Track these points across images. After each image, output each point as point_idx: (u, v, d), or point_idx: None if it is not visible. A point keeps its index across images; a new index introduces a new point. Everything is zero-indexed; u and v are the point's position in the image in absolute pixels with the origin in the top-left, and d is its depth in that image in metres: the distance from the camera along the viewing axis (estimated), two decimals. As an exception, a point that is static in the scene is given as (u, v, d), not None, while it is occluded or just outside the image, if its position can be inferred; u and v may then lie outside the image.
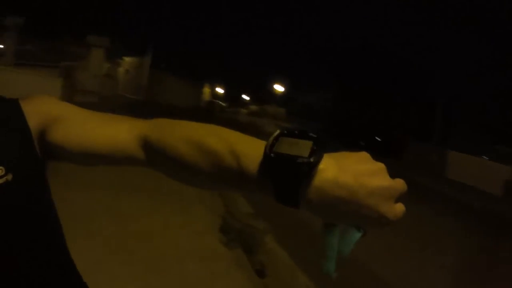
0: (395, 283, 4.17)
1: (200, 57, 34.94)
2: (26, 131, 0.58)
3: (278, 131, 0.49)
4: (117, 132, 0.58)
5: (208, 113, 32.68)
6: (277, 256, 4.22)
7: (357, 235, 0.48)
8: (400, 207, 0.46)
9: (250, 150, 0.49)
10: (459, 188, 13.01)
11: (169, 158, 0.54)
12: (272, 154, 0.45)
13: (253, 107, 48.97)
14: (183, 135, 0.54)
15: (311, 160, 0.43)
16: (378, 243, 4.89)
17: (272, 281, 3.73)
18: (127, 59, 26.87)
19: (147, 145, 0.56)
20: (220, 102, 43.86)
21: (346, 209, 0.44)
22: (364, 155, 0.48)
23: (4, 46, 10.94)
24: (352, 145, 19.61)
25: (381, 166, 0.47)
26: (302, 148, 0.45)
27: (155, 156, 0.56)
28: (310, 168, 0.43)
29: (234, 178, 0.49)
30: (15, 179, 0.54)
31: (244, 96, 51.21)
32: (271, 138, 0.48)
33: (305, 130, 0.48)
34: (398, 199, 0.46)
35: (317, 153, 0.44)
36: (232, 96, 48.58)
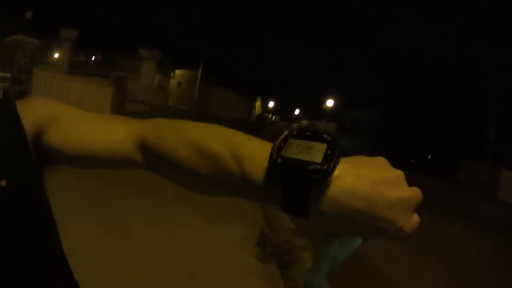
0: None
1: (252, 71, 35.56)
2: (21, 134, 0.55)
3: (286, 132, 0.43)
4: (114, 133, 0.55)
5: (258, 126, 33.30)
6: (314, 278, 3.98)
7: (358, 242, 0.43)
8: (416, 218, 0.41)
9: (254, 153, 0.44)
10: None
11: (167, 160, 0.50)
12: (278, 159, 0.40)
13: (304, 122, 49.11)
14: (182, 136, 0.50)
15: (325, 167, 0.38)
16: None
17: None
18: (179, 71, 27.63)
19: (145, 147, 0.53)
20: (271, 116, 44.33)
21: (362, 222, 0.39)
22: (382, 160, 0.43)
23: (58, 55, 11.66)
24: (401, 162, 19.07)
25: (399, 174, 0.42)
26: (314, 152, 0.39)
27: (153, 158, 0.53)
28: (323, 176, 0.38)
29: (236, 184, 0.45)
30: (8, 185, 0.51)
31: (296, 111, 51.37)
32: (278, 140, 0.42)
33: (318, 131, 0.42)
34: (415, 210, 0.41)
35: (332, 158, 0.39)
36: (283, 111, 48.89)
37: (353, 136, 35.06)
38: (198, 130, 0.50)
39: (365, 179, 0.39)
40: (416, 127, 25.13)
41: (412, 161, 20.04)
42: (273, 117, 44.49)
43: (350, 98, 42.63)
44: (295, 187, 0.39)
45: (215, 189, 0.51)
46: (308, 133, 0.42)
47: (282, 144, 0.41)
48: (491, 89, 21.29)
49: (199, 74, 26.38)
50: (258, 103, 43.66)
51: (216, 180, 0.47)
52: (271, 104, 47.63)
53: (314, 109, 47.17)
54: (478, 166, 18.69)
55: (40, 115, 0.58)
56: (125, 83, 9.89)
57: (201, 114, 21.87)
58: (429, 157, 20.28)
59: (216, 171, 0.46)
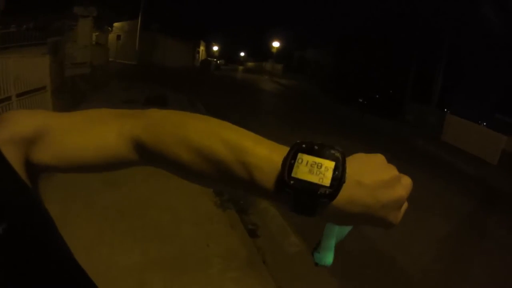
0: (384, 245, 4.28)
1: (194, 16, 33.90)
2: (6, 167, 0.49)
3: (295, 146, 0.45)
4: (106, 138, 0.52)
5: (203, 71, 32.56)
6: (270, 217, 4.35)
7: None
8: (403, 209, 0.47)
9: (264, 161, 0.45)
10: (454, 152, 13.10)
11: (168, 163, 0.50)
12: (291, 181, 0.42)
13: (250, 64, 48.31)
14: (183, 139, 0.48)
15: (333, 191, 0.42)
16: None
17: (263, 241, 3.84)
18: (117, 24, 25.93)
19: (141, 148, 0.51)
20: (216, 60, 43.37)
21: (358, 219, 0.45)
22: (380, 158, 0.47)
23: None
24: (350, 101, 19.73)
25: (394, 174, 0.46)
26: (323, 172, 0.42)
27: (152, 159, 0.52)
28: (331, 200, 0.42)
29: (245, 188, 0.47)
30: (10, 226, 0.46)
31: (241, 54, 50.43)
32: (289, 156, 0.44)
33: (325, 146, 0.44)
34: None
35: (340, 180, 0.42)
36: (229, 54, 47.83)
37: (300, 75, 35.33)
38: (201, 131, 0.49)
39: (363, 185, 0.43)
40: (364, 68, 25.75)
41: (360, 100, 20.83)
42: (218, 61, 43.56)
43: (297, 40, 42.20)
44: (304, 203, 0.43)
45: (221, 187, 0.54)
46: (316, 147, 0.44)
47: (292, 161, 0.43)
48: (443, 36, 21.90)
49: (139, 24, 25.15)
50: (202, 48, 42.43)
51: (223, 183, 0.49)
52: (215, 48, 46.40)
53: (261, 51, 46.42)
54: (425, 109, 19.57)
55: (21, 136, 0.52)
56: (62, 48, 9.44)
57: (143, 66, 21.03)
58: (377, 96, 21.00)
59: (223, 176, 0.47)
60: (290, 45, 43.16)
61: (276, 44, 44.51)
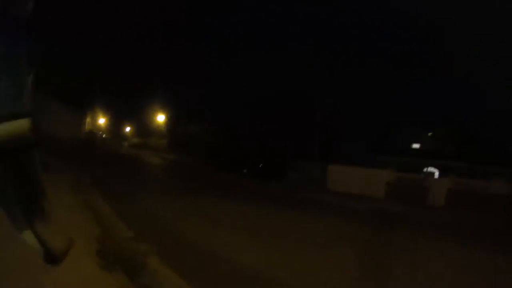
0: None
1: (82, 85, 32.95)
2: None
3: None
4: None
5: (89, 145, 31.55)
6: (164, 277, 4.07)
7: None
8: None
9: None
10: (342, 196, 14.30)
11: None
12: None
13: (136, 140, 48.02)
14: None
15: None
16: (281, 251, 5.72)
17: None
18: None
19: None
20: (101, 133, 42.39)
21: None
22: None
23: None
24: (237, 172, 21.19)
25: None
26: None
27: None
28: None
29: None
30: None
31: (127, 128, 50.09)
32: None
33: None
34: None
35: None
36: (116, 127, 47.14)
37: (184, 150, 36.17)
38: None
39: None
40: (247, 139, 27.14)
41: (244, 171, 21.43)
42: (104, 135, 42.76)
43: (182, 115, 43.99)
44: None
45: None
46: None
47: None
48: (317, 98, 25.11)
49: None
50: (88, 119, 41.47)
51: None
52: (101, 120, 45.68)
53: (146, 126, 47.01)
54: (308, 165, 21.58)
55: None
56: None
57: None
58: (261, 166, 21.64)
59: None
60: (174, 120, 44.86)
61: (161, 118, 45.67)
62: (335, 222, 9.19)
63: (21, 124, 0.98)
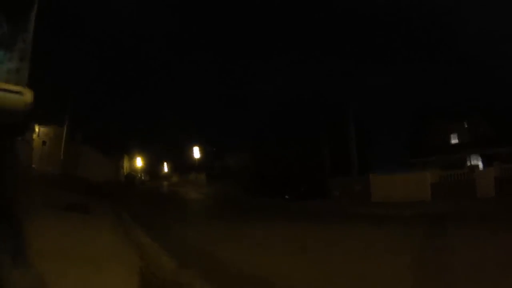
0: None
1: (118, 130, 34.16)
2: None
3: None
4: None
5: (128, 185, 32.62)
6: None
7: None
8: None
9: None
10: (389, 206, 13.73)
11: None
12: None
13: (174, 179, 49.01)
14: None
15: None
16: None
17: None
18: (44, 129, 24.93)
19: None
20: (140, 175, 43.71)
21: None
22: None
23: None
24: (278, 197, 20.81)
25: None
26: None
27: None
28: None
29: None
30: None
31: (165, 168, 51.34)
32: None
33: None
34: None
35: None
36: (152, 167, 48.43)
37: (223, 181, 36.39)
38: None
39: None
40: (284, 165, 26.37)
41: (286, 197, 20.95)
42: (142, 176, 44.11)
43: (216, 147, 44.78)
44: None
45: None
46: None
47: None
48: (347, 113, 24.78)
49: (64, 132, 24.56)
50: (126, 162, 43.04)
51: None
52: (138, 162, 47.25)
53: (183, 163, 48.08)
54: (347, 181, 20.94)
55: None
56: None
57: (67, 176, 20.56)
58: (302, 189, 21.13)
59: None
60: (210, 154, 45.69)
61: (197, 155, 46.64)
62: (385, 231, 8.77)
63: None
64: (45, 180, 16.57)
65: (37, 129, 23.18)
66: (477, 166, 19.51)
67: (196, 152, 47.03)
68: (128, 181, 36.68)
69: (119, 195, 20.80)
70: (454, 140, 26.81)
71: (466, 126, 26.25)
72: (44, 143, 24.95)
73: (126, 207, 13.48)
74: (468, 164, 22.36)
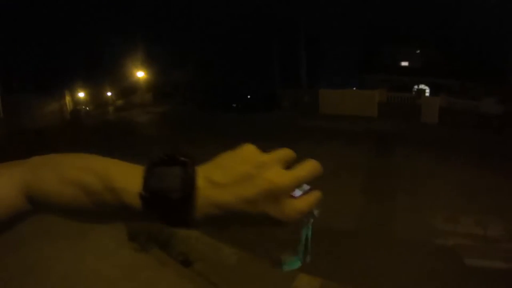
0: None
1: (49, 67, 31.44)
2: None
3: (149, 161, 0.47)
4: (0, 185, 0.51)
5: (74, 123, 30.61)
6: (195, 240, 4.25)
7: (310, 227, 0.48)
8: (294, 205, 0.43)
9: (128, 184, 0.47)
10: (335, 119, 14.42)
11: (56, 202, 0.51)
12: (146, 194, 0.44)
13: (119, 102, 46.95)
14: (61, 175, 0.51)
15: (184, 191, 0.43)
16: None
17: (200, 265, 3.82)
18: None
19: (31, 193, 0.51)
20: (84, 107, 41.38)
21: (237, 221, 0.44)
22: (246, 150, 0.47)
23: None
24: (225, 107, 20.71)
25: (261, 161, 0.45)
26: (171, 178, 0.44)
27: (41, 202, 0.51)
28: (186, 200, 0.43)
29: (120, 214, 0.49)
30: None
31: (109, 93, 48.79)
32: (145, 172, 0.46)
33: (173, 155, 0.46)
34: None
35: (189, 180, 0.43)
36: (96, 97, 45.91)
37: (171, 100, 35.53)
38: (75, 166, 0.51)
39: (219, 185, 0.43)
40: (229, 73, 26.78)
41: (234, 105, 21.02)
42: (87, 108, 41.74)
43: (162, 65, 42.51)
44: (167, 212, 0.44)
45: (101, 219, 0.55)
46: (166, 158, 0.46)
47: (147, 176, 0.45)
48: (299, 25, 23.82)
49: None
50: (68, 99, 40.26)
51: (100, 212, 0.50)
52: (81, 94, 44.35)
53: (127, 86, 45.73)
54: (297, 93, 21.14)
55: None
56: None
57: (14, 135, 19.07)
58: (249, 97, 21.34)
59: (101, 206, 0.49)
60: (155, 72, 43.58)
61: (140, 74, 44.39)
62: (336, 146, 9.23)
63: None
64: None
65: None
66: (424, 91, 20.41)
67: (140, 72, 44.63)
68: (73, 116, 34.78)
69: (68, 137, 19.25)
70: (405, 63, 27.40)
71: (418, 52, 26.79)
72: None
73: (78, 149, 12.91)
74: (416, 88, 23.34)
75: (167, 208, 0.44)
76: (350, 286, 3.46)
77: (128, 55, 41.17)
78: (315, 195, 0.46)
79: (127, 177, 0.48)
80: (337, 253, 4.15)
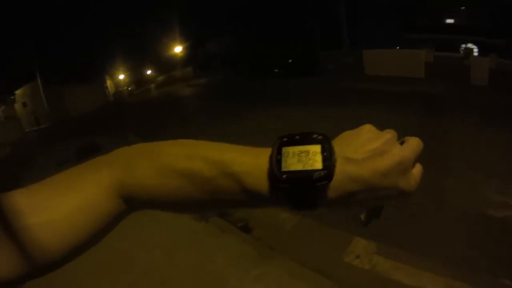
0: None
1: (89, 53, 32.35)
2: None
3: (277, 142, 0.44)
4: (87, 195, 0.45)
5: (119, 105, 31.00)
6: None
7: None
8: (416, 173, 0.46)
9: (249, 167, 0.45)
10: (382, 80, 13.96)
11: (159, 197, 0.47)
12: (283, 176, 0.41)
13: (160, 78, 47.68)
14: (162, 166, 0.46)
15: (328, 171, 0.41)
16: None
17: (259, 231, 3.96)
18: (19, 92, 24.06)
19: (126, 192, 0.47)
20: (127, 88, 42.62)
21: (365, 197, 0.44)
22: (366, 130, 0.47)
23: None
24: (267, 74, 20.53)
25: (384, 139, 0.46)
26: (312, 157, 0.42)
27: (140, 198, 0.47)
28: (329, 181, 0.42)
29: (240, 199, 0.46)
30: None
31: (148, 72, 49.70)
32: (274, 153, 0.43)
33: (306, 134, 0.45)
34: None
35: (331, 159, 0.42)
36: (136, 78, 46.97)
37: (211, 70, 35.65)
38: (178, 155, 0.47)
39: (355, 161, 0.43)
40: (268, 40, 25.94)
41: (276, 70, 20.40)
42: (129, 88, 43.01)
43: (196, 38, 42.59)
44: (305, 196, 0.42)
45: (219, 209, 0.50)
46: (298, 137, 0.44)
47: (279, 157, 0.43)
48: None
49: (39, 82, 23.35)
50: (109, 82, 41.59)
51: (218, 203, 0.47)
52: (121, 76, 45.65)
53: (166, 62, 46.40)
54: (339, 54, 20.64)
55: None
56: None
57: (60, 125, 19.83)
58: (290, 61, 20.46)
59: (214, 194, 0.46)
60: (191, 45, 43.76)
61: (178, 49, 44.74)
62: (384, 109, 8.98)
63: None
64: (39, 142, 16.05)
65: (12, 98, 22.03)
66: (472, 50, 19.14)
67: (177, 47, 45.02)
68: (117, 98, 36.08)
69: (113, 118, 20.25)
70: (450, 21, 25.53)
71: (463, 8, 24.79)
72: (24, 104, 23.94)
73: (129, 128, 13.07)
74: (463, 46, 21.89)
75: (304, 188, 0.42)
76: (403, 250, 3.50)
77: (164, 31, 41.49)
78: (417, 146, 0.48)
79: (248, 160, 0.46)
80: (387, 216, 4.16)
